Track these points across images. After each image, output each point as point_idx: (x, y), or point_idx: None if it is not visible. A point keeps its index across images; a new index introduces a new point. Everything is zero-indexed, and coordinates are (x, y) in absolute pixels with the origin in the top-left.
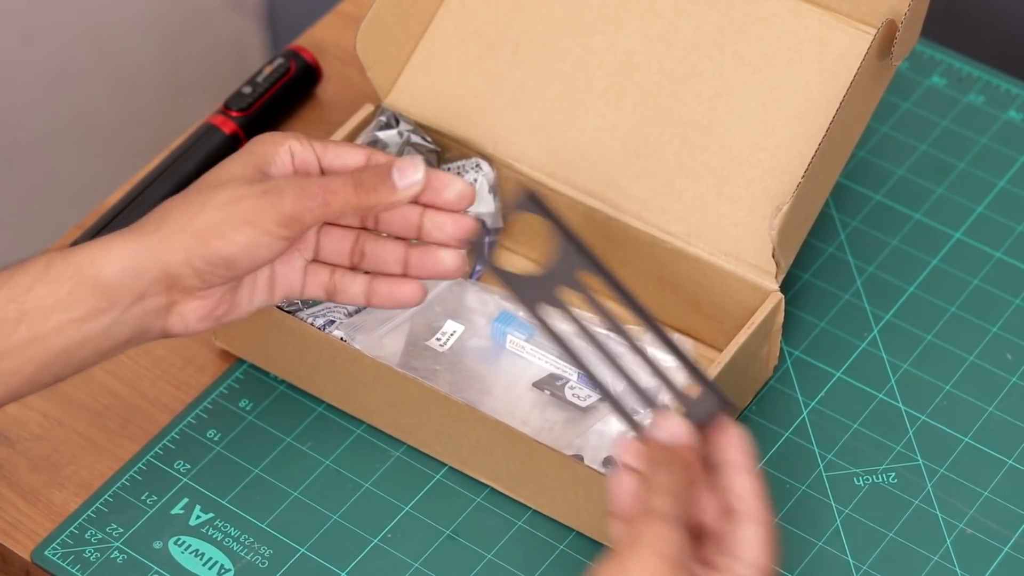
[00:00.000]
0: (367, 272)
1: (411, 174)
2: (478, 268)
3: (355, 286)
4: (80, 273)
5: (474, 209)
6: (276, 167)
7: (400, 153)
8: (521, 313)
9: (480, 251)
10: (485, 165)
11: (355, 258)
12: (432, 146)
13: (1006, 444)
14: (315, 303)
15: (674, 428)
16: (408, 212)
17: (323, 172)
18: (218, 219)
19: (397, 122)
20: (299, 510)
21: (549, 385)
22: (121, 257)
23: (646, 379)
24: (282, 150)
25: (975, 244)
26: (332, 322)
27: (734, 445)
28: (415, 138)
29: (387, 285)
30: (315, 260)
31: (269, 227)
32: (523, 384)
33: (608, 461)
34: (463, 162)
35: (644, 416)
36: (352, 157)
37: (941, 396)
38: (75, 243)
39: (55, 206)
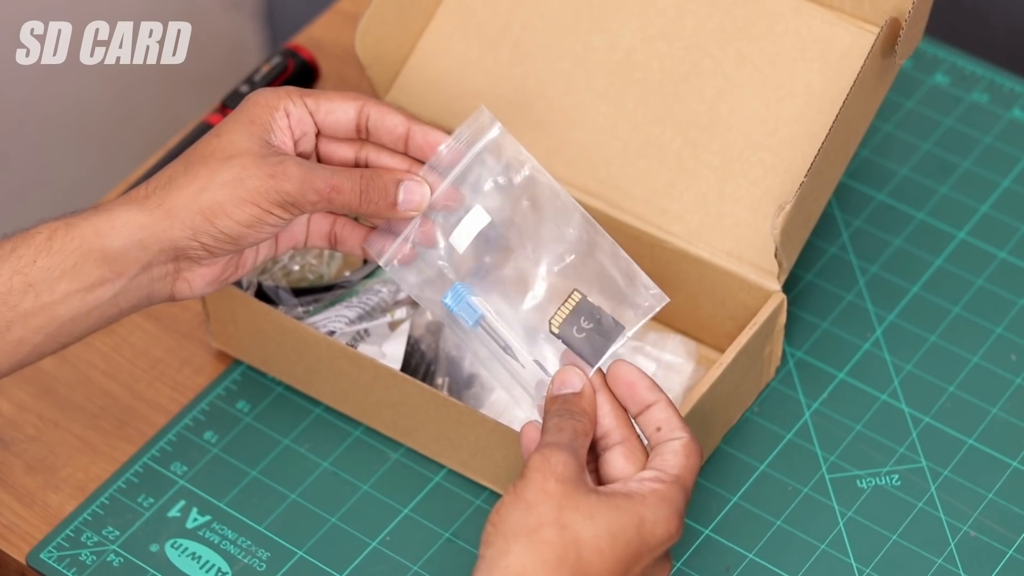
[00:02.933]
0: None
1: (416, 198)
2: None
3: (355, 236)
4: (85, 245)
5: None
6: (276, 135)
7: None
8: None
9: None
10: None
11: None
12: None
13: (1011, 446)
14: (317, 311)
15: (565, 379)
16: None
17: (318, 130)
18: (222, 198)
19: None
20: (297, 512)
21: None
22: (126, 230)
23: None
24: (278, 115)
25: (979, 244)
26: (332, 332)
27: (643, 387)
28: None
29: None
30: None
31: (271, 208)
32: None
33: None
34: None
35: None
36: (345, 113)
37: (945, 398)
38: None
39: (51, 204)
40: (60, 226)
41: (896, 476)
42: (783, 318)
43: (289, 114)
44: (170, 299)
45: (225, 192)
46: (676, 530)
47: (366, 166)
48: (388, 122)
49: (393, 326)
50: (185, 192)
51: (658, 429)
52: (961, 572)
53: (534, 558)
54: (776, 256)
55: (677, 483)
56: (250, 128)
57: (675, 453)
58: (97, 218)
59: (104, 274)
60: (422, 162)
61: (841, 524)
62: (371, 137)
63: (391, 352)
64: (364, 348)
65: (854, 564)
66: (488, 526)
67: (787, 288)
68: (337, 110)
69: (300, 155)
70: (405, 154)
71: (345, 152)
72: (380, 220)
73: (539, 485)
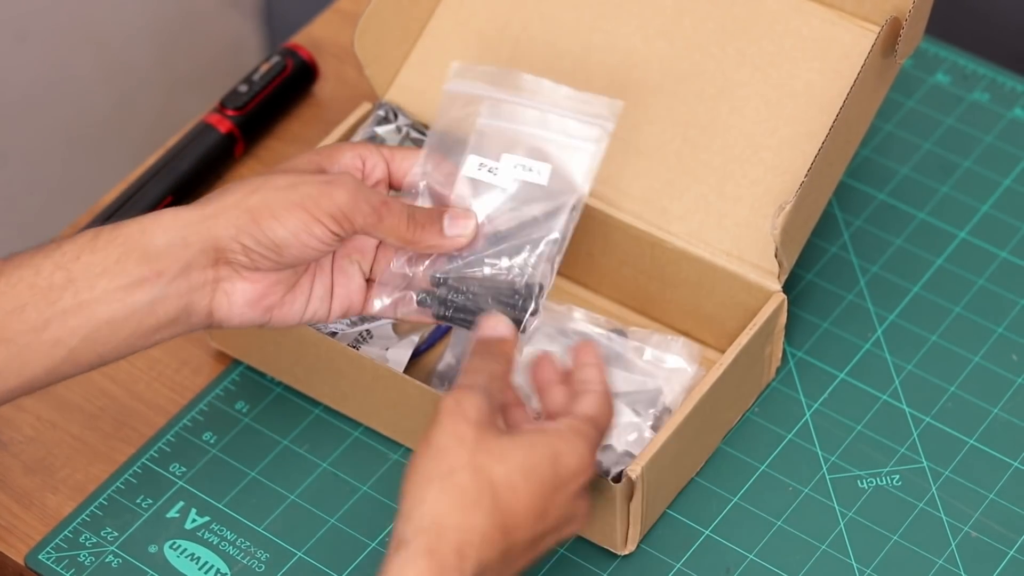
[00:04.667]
0: None
1: (461, 227)
2: None
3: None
4: (129, 241)
5: None
6: (339, 168)
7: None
8: None
9: None
10: None
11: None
12: None
13: (1012, 446)
14: None
15: (493, 324)
16: None
17: (391, 177)
18: (272, 200)
19: (396, 116)
20: (296, 513)
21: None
22: (171, 227)
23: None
24: (350, 155)
25: (980, 244)
26: (334, 334)
27: (587, 351)
28: (414, 133)
29: None
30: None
31: (321, 216)
32: None
33: (619, 478)
34: None
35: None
36: (415, 159)
37: (946, 398)
38: None
39: (50, 205)
40: (107, 227)
41: (897, 476)
42: (783, 318)
43: (365, 159)
44: (208, 317)
45: (276, 195)
46: (589, 463)
47: None
48: (444, 168)
49: (396, 327)
50: (236, 193)
51: (583, 367)
52: (962, 573)
53: (449, 503)
54: (776, 256)
55: (591, 423)
56: (312, 157)
57: (592, 399)
58: (144, 218)
59: (144, 273)
60: None
61: (842, 524)
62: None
63: (395, 358)
64: (366, 350)
65: (855, 565)
66: (404, 479)
67: (787, 288)
68: (409, 156)
69: None
70: None
71: None
72: (428, 251)
73: (450, 430)
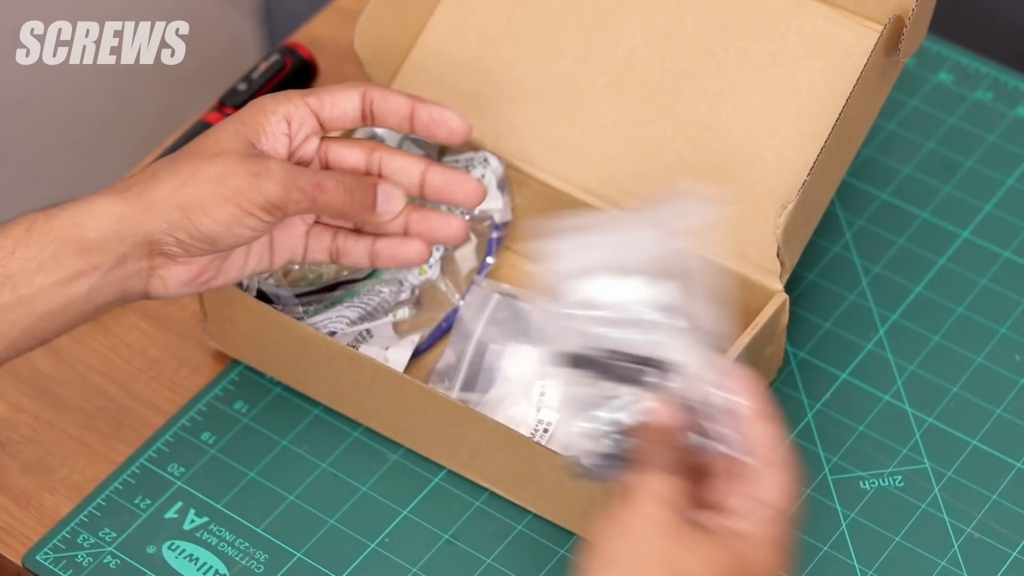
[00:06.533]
0: (370, 234)
1: (393, 204)
2: (487, 262)
3: (359, 248)
4: (63, 235)
5: (483, 205)
6: (267, 140)
7: (399, 147)
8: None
9: (488, 246)
10: (493, 159)
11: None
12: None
13: (1015, 447)
14: (317, 312)
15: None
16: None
17: (323, 127)
18: (203, 195)
19: None
20: (295, 514)
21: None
22: (104, 220)
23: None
24: (275, 119)
25: (983, 243)
26: (334, 333)
27: (745, 392)
28: None
29: (391, 246)
30: (317, 223)
31: (252, 209)
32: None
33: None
34: (471, 155)
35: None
36: (349, 101)
37: (948, 398)
38: None
39: (48, 203)
40: (40, 217)
41: (899, 477)
42: (785, 318)
43: (290, 119)
44: (144, 295)
45: (206, 189)
46: (780, 565)
47: (379, 172)
48: (392, 103)
49: (397, 326)
50: (166, 186)
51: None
52: (965, 574)
53: None
54: (778, 255)
55: (780, 515)
56: (239, 129)
57: (774, 475)
58: (76, 208)
59: (80, 267)
60: (428, 142)
61: (844, 525)
62: (376, 121)
63: (395, 358)
64: (366, 349)
65: (856, 566)
66: (589, 557)
67: (789, 288)
68: (341, 101)
69: (300, 161)
70: (413, 140)
71: (356, 158)
72: (363, 225)
73: (646, 511)
